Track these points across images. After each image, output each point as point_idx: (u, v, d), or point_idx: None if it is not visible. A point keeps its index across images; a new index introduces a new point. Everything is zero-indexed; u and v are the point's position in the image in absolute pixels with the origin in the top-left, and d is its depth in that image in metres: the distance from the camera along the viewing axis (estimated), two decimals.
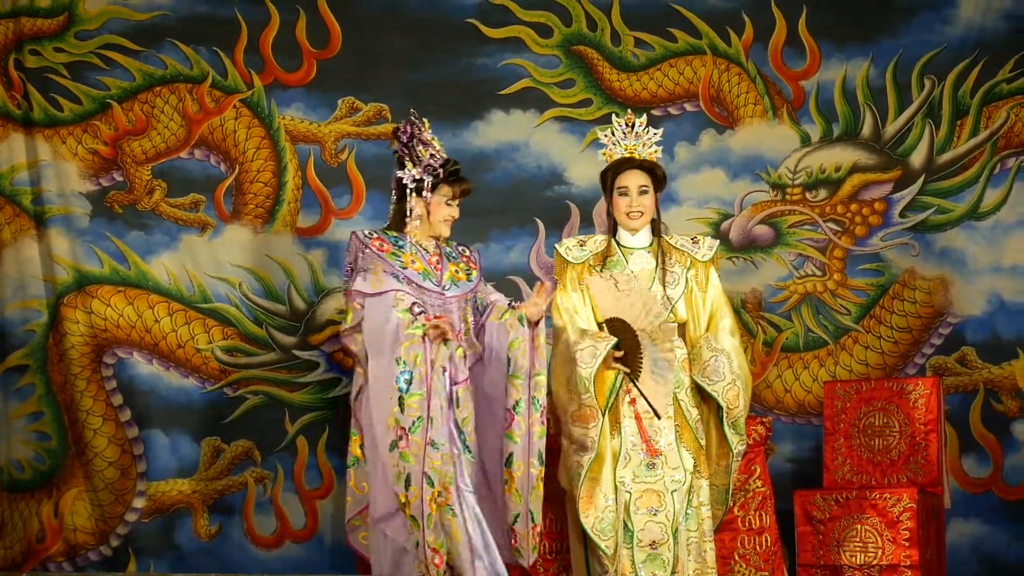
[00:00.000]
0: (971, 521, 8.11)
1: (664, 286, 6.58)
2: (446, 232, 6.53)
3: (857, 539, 7.22)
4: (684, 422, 6.51)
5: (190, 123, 8.23)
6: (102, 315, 8.09)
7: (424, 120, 6.51)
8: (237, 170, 8.25)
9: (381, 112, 8.30)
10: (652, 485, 6.40)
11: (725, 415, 6.48)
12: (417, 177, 6.45)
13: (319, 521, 8.09)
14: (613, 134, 6.76)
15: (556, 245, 6.76)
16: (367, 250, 6.36)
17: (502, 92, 8.36)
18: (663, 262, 6.64)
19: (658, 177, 6.71)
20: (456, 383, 6.30)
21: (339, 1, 8.30)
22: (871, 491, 7.29)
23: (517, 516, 6.33)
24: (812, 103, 8.44)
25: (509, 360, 6.41)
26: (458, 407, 6.30)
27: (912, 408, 7.52)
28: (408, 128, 6.50)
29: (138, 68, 8.20)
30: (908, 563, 7.09)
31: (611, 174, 6.70)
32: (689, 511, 6.44)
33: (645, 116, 6.70)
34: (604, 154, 6.77)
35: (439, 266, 6.46)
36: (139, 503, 8.04)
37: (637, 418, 6.44)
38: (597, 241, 6.74)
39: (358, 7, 8.31)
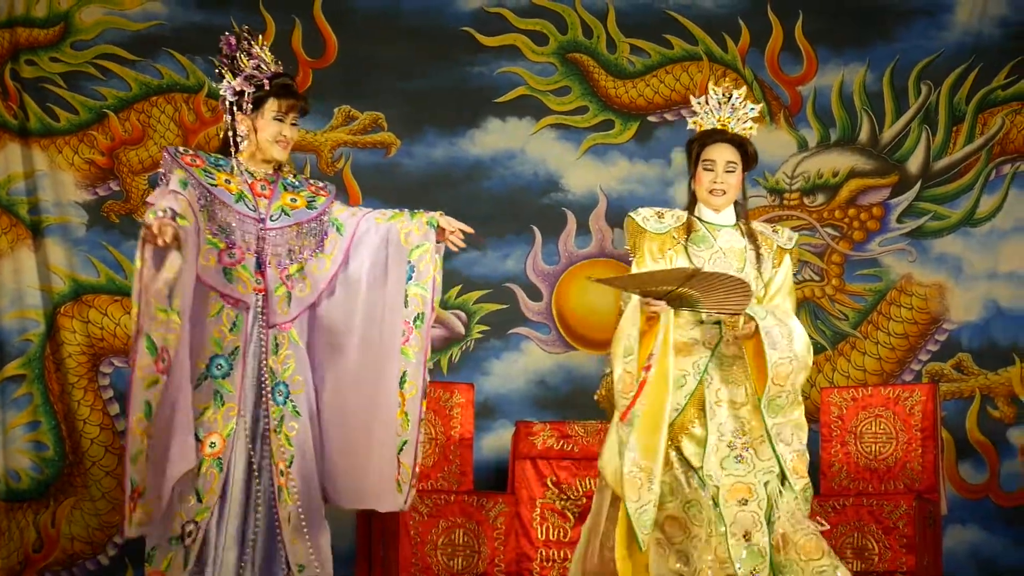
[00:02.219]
0: (968, 527, 8.12)
1: (757, 268, 5.99)
2: (278, 154, 5.68)
3: (854, 545, 7.22)
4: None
5: (186, 132, 8.24)
6: (99, 324, 8.10)
7: (259, 36, 5.77)
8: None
9: (377, 121, 8.31)
10: (742, 478, 5.82)
11: (767, 389, 5.82)
12: (238, 89, 5.62)
13: None
14: (707, 102, 6.16)
15: (631, 213, 6.17)
16: (174, 163, 5.56)
17: (498, 100, 8.37)
18: (755, 243, 6.05)
19: (748, 155, 6.09)
20: (272, 325, 5.58)
21: (335, 10, 8.31)
22: (868, 497, 7.29)
23: (405, 443, 5.59)
24: (809, 108, 8.45)
25: (412, 266, 5.73)
26: (275, 354, 5.60)
27: (908, 415, 7.52)
28: (232, 40, 5.71)
29: (134, 78, 8.21)
30: (905, 569, 7.09)
31: (697, 145, 6.11)
32: (782, 488, 5.86)
33: (745, 88, 6.14)
34: (694, 122, 6.17)
35: (264, 192, 5.67)
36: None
37: None
38: (675, 215, 6.13)
39: (353, 16, 8.32)
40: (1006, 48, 8.33)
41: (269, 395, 5.54)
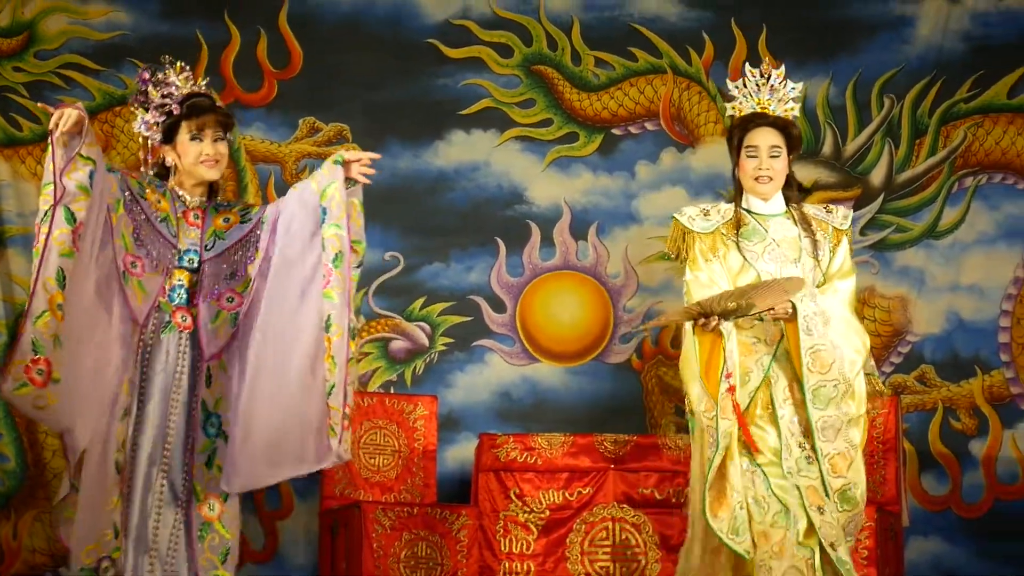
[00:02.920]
0: (930, 539, 8.13)
1: (815, 256, 5.81)
2: (208, 174, 5.59)
3: None
4: None
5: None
6: None
7: (178, 64, 5.67)
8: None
9: (342, 132, 8.30)
10: (813, 482, 5.63)
11: (806, 378, 5.62)
12: (151, 121, 5.58)
13: (279, 542, 8.07)
14: (745, 85, 5.97)
15: (675, 214, 6.06)
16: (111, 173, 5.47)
17: (463, 112, 8.37)
18: (809, 230, 5.86)
19: (793, 137, 5.89)
20: (208, 357, 5.51)
21: (300, 21, 8.30)
22: None
23: (333, 387, 5.36)
24: None
25: (324, 211, 5.51)
26: (208, 387, 5.51)
27: (870, 427, 7.52)
28: (145, 74, 5.64)
29: (98, 88, 8.18)
30: None
31: (738, 132, 5.90)
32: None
33: (783, 67, 5.97)
34: (733, 107, 6.00)
35: (197, 221, 5.61)
36: None
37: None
38: (722, 210, 5.95)
39: (319, 27, 8.31)
40: (968, 62, 8.37)
41: (200, 428, 5.50)
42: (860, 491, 5.72)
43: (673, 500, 7.39)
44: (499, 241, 8.35)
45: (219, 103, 5.80)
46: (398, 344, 8.24)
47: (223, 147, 5.61)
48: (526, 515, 7.38)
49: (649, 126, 8.47)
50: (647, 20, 8.47)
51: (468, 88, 8.39)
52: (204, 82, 5.76)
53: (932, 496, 8.22)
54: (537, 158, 8.40)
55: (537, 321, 8.34)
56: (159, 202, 5.52)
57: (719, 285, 5.78)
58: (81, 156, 5.24)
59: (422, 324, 8.26)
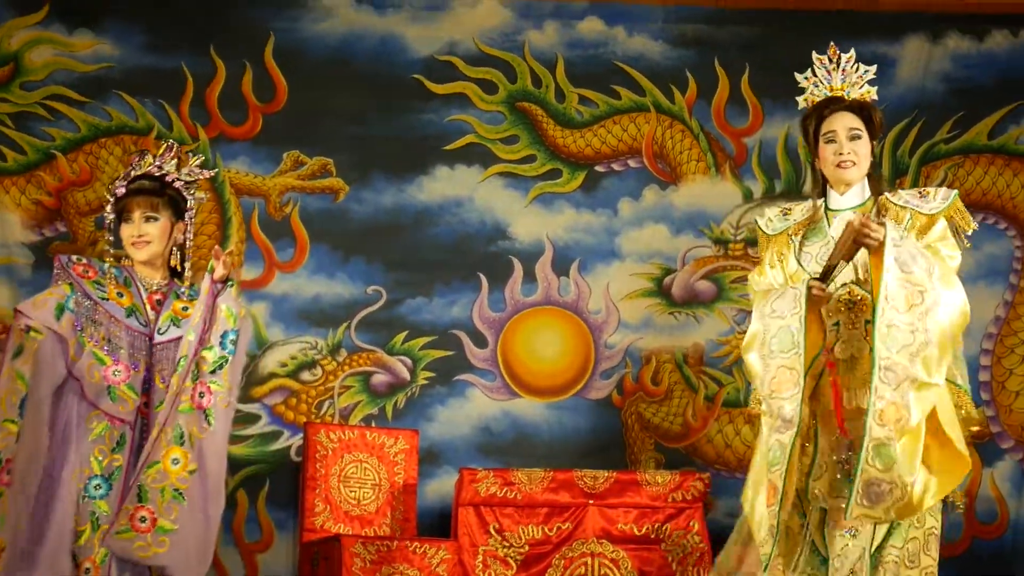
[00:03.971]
0: None
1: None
2: (136, 255, 5.64)
3: None
4: None
5: None
6: None
7: (164, 144, 5.81)
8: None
9: (326, 166, 8.32)
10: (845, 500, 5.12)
11: (881, 310, 5.04)
12: (108, 209, 5.66)
13: (259, 575, 8.06)
14: (814, 73, 5.72)
15: (756, 217, 5.83)
16: (64, 274, 5.56)
17: (447, 147, 8.39)
18: (879, 221, 5.27)
19: (874, 121, 5.51)
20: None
21: (285, 55, 8.32)
22: None
23: (141, 490, 5.34)
24: (755, 160, 8.52)
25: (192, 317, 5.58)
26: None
27: None
28: (133, 159, 5.75)
29: (83, 119, 8.19)
30: None
31: (813, 120, 5.58)
32: (895, 524, 5.21)
33: (853, 51, 5.71)
34: (805, 99, 5.76)
35: (159, 306, 5.65)
36: None
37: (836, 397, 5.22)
38: (804, 208, 5.57)
39: (304, 62, 8.33)
40: (949, 103, 8.44)
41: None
42: (904, 466, 4.99)
43: (652, 536, 7.40)
44: (481, 276, 8.37)
45: (180, 184, 5.75)
46: (379, 378, 8.25)
47: (153, 228, 5.62)
48: (505, 550, 7.38)
49: (632, 163, 8.51)
50: (631, 58, 8.51)
51: (452, 124, 8.41)
52: (196, 161, 5.79)
53: None
54: (520, 194, 8.43)
55: (518, 356, 8.36)
56: (121, 296, 5.57)
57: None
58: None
59: (404, 358, 8.27)
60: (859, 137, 5.48)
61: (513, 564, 7.37)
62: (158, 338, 5.58)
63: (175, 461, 5.35)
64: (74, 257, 5.66)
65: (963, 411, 5.37)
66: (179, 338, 5.56)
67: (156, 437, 5.37)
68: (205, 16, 8.28)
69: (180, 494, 5.34)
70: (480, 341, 8.32)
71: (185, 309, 5.64)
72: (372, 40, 8.41)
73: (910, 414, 4.99)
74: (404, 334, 8.26)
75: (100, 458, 5.42)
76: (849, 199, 5.49)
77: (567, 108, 8.49)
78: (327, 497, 7.58)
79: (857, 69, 5.61)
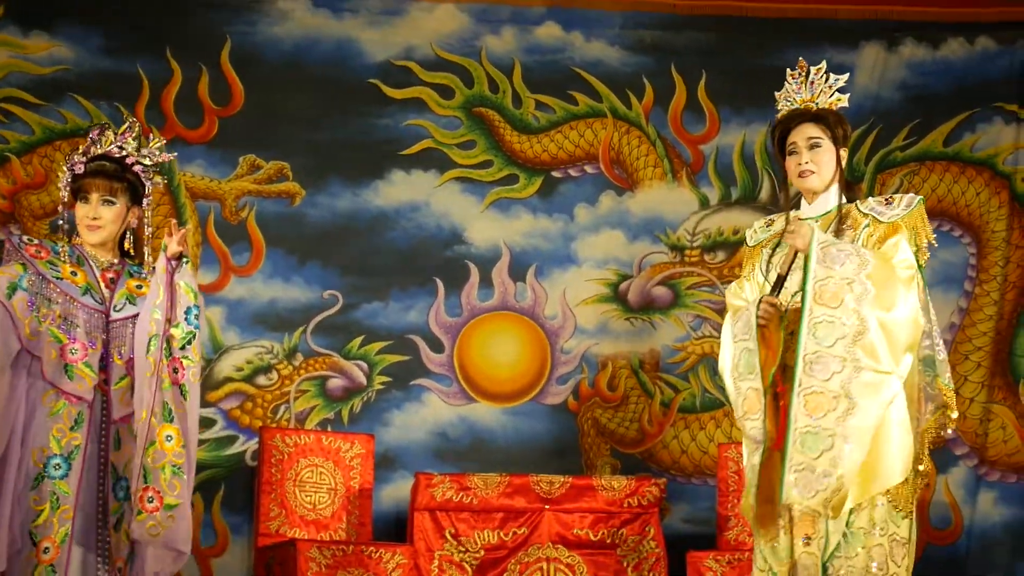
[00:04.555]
0: None
1: None
2: (88, 237, 5.60)
3: None
4: None
5: None
6: None
7: (126, 124, 5.77)
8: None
9: (282, 170, 8.30)
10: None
11: (808, 309, 5.10)
12: (64, 181, 5.62)
13: None
14: (786, 91, 5.64)
15: (747, 230, 5.81)
16: (16, 254, 5.52)
17: (403, 152, 8.39)
18: (839, 231, 5.36)
19: (835, 127, 5.48)
20: (115, 420, 5.50)
21: (242, 59, 8.30)
22: None
23: (143, 470, 5.35)
24: (711, 167, 8.54)
25: (150, 296, 5.54)
26: (117, 450, 5.51)
27: None
28: (93, 133, 5.71)
29: (38, 122, 8.15)
30: None
31: (777, 134, 5.56)
32: (848, 534, 5.20)
33: (824, 62, 5.68)
34: (778, 117, 5.65)
35: (112, 284, 5.61)
36: None
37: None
38: (785, 219, 5.53)
39: (261, 66, 8.31)
40: (904, 111, 8.49)
41: (110, 492, 5.46)
42: (850, 456, 5.00)
43: (608, 541, 7.41)
44: (438, 281, 8.36)
45: (142, 167, 5.71)
46: (335, 382, 8.23)
47: (109, 211, 5.59)
48: (461, 555, 7.37)
49: (589, 169, 8.52)
50: (588, 64, 8.53)
51: (409, 128, 8.41)
52: (158, 145, 5.76)
53: None
54: (477, 199, 8.43)
55: (475, 361, 8.35)
56: (75, 275, 5.54)
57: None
58: None
59: (360, 363, 8.26)
60: (819, 146, 5.47)
61: (469, 569, 7.36)
62: (114, 315, 5.55)
63: (169, 438, 5.35)
64: (25, 237, 5.64)
65: (951, 412, 5.46)
66: (135, 315, 5.53)
67: (147, 418, 5.35)
68: (161, 19, 8.25)
69: (179, 469, 5.35)
70: (436, 346, 8.31)
71: (139, 287, 5.62)
72: (329, 44, 8.40)
73: (853, 403, 5.03)
74: (360, 339, 8.25)
75: (59, 437, 5.39)
76: (817, 208, 5.50)
77: (524, 113, 8.49)
78: (283, 502, 7.56)
79: (827, 79, 5.60)
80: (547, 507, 7.43)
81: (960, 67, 8.56)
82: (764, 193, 8.50)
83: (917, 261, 5.32)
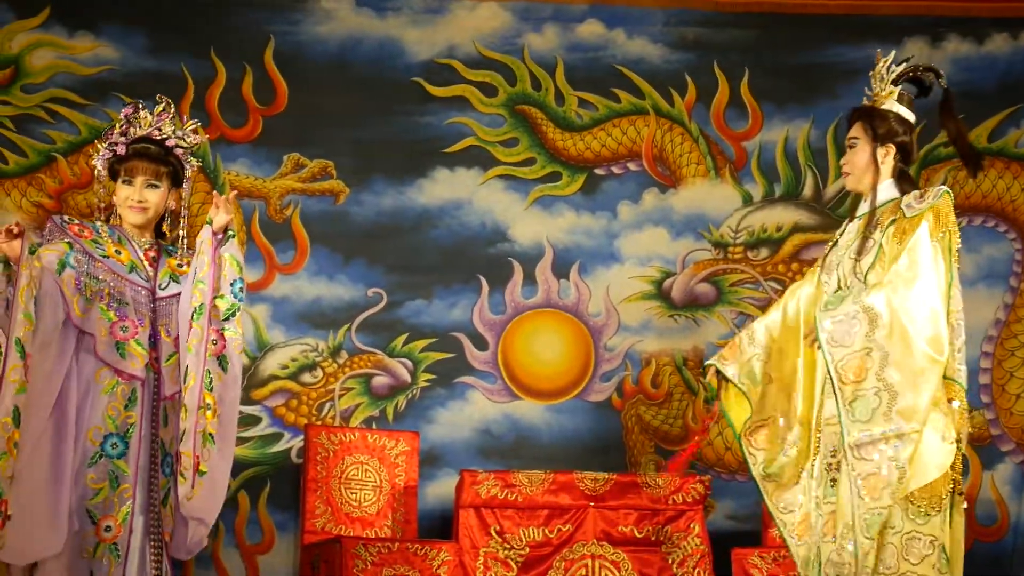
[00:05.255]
0: None
1: (856, 260, 5.42)
2: (131, 218, 5.61)
3: None
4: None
5: None
6: None
7: (161, 105, 5.74)
8: (182, 224, 8.24)
9: (326, 168, 8.32)
10: (834, 505, 5.36)
11: (840, 391, 5.19)
12: (102, 156, 5.65)
13: None
14: (870, 88, 5.68)
15: None
16: (60, 233, 5.54)
17: (447, 150, 8.40)
18: (866, 230, 5.43)
19: (877, 123, 5.51)
20: (164, 397, 5.53)
21: (286, 58, 8.33)
22: None
23: (184, 433, 5.42)
24: (754, 163, 8.53)
25: (195, 269, 5.57)
26: (164, 426, 5.53)
27: None
28: (127, 110, 5.69)
29: (83, 122, 8.19)
30: None
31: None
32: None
33: (893, 53, 5.71)
34: None
35: (155, 263, 5.63)
36: None
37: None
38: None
39: (305, 65, 8.34)
40: None
41: (159, 468, 5.50)
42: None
43: (652, 538, 7.41)
44: (481, 279, 8.38)
45: (180, 151, 5.73)
46: (380, 380, 8.25)
47: (153, 194, 5.62)
48: (506, 552, 7.38)
49: (632, 166, 8.52)
50: (630, 62, 8.53)
51: (452, 126, 8.43)
52: (191, 126, 5.75)
53: None
54: (520, 197, 8.44)
55: (519, 358, 8.36)
56: (119, 253, 5.56)
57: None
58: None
59: (404, 360, 8.28)
60: (853, 146, 5.56)
61: (514, 566, 7.37)
62: (160, 293, 5.57)
63: (207, 407, 5.37)
64: (66, 217, 5.66)
65: (960, 403, 5.37)
66: (178, 294, 5.55)
67: (195, 384, 5.37)
68: (205, 19, 8.28)
69: (211, 437, 5.36)
70: (480, 343, 8.32)
71: (180, 266, 5.64)
72: (372, 43, 8.42)
73: (903, 471, 5.12)
74: (405, 336, 8.27)
75: (114, 415, 5.40)
76: (864, 206, 5.56)
77: (567, 111, 8.50)
78: (328, 499, 7.58)
79: (890, 70, 5.62)
80: (592, 504, 7.43)
81: (1004, 62, 8.53)
82: (807, 189, 8.48)
83: (948, 245, 5.32)
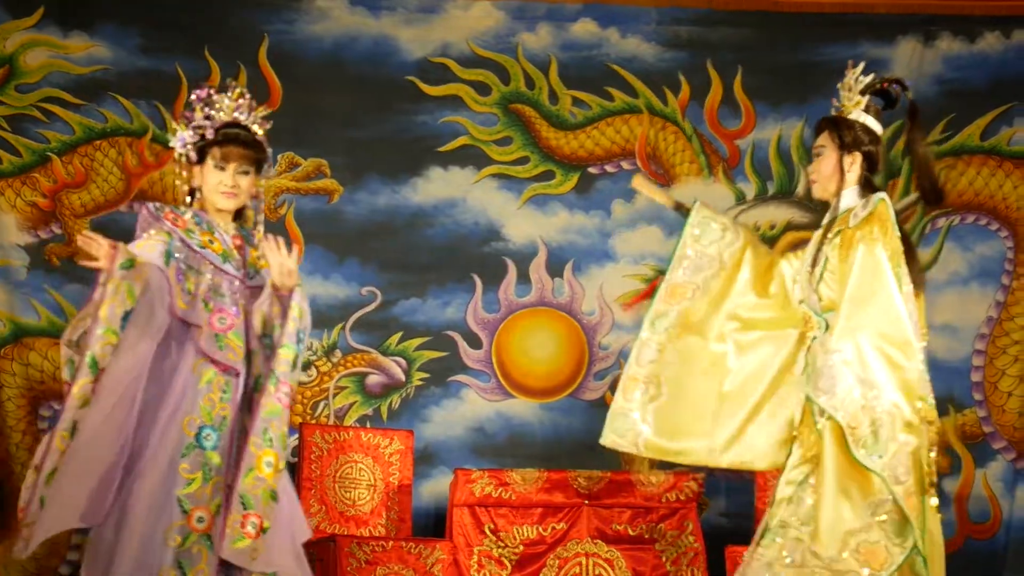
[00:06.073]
0: None
1: (808, 277, 5.41)
2: (223, 204, 5.44)
3: None
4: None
5: (129, 176, 8.24)
6: (38, 367, 8.07)
7: (237, 91, 5.61)
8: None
9: (320, 168, 8.34)
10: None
11: (849, 437, 5.11)
12: (187, 140, 5.48)
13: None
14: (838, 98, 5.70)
15: None
16: (155, 222, 5.38)
17: (440, 149, 8.41)
18: (822, 239, 5.43)
19: (841, 133, 5.53)
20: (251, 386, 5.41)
21: (280, 57, 8.34)
22: None
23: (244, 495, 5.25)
24: (747, 162, 8.54)
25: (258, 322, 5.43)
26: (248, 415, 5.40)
27: None
28: (201, 92, 5.53)
29: (78, 121, 8.20)
30: None
31: None
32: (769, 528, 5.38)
33: (862, 63, 5.77)
34: None
35: (242, 251, 5.49)
36: (74, 556, 7.99)
37: None
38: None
39: (299, 63, 8.35)
40: (941, 105, 8.46)
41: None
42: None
43: (646, 536, 7.42)
44: (475, 277, 8.39)
45: (260, 137, 5.60)
46: (374, 379, 8.27)
47: (245, 181, 5.48)
48: (500, 550, 7.40)
49: (625, 165, 8.53)
50: (624, 60, 8.54)
51: (446, 125, 8.44)
52: (262, 114, 5.67)
53: None
54: (514, 195, 8.45)
55: (513, 357, 8.38)
56: (212, 242, 5.42)
57: None
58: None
59: (398, 359, 8.29)
60: (820, 154, 5.54)
61: (508, 564, 7.39)
62: (249, 282, 5.46)
63: (268, 464, 5.23)
64: (156, 204, 5.50)
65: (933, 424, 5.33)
66: (262, 286, 5.41)
67: (247, 446, 5.25)
68: (199, 18, 8.29)
69: (274, 494, 5.24)
70: (474, 342, 8.34)
71: (259, 258, 5.49)
72: (366, 42, 8.43)
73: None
74: (399, 335, 8.28)
75: (208, 407, 5.30)
76: (832, 213, 5.52)
77: (560, 110, 8.51)
78: (322, 498, 7.60)
79: (858, 81, 5.68)
80: (586, 502, 7.45)
81: (996, 61, 8.54)
82: (800, 187, 8.50)
83: (892, 250, 5.30)
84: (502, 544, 7.40)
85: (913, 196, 8.41)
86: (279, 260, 5.28)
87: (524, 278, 8.40)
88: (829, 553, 5.12)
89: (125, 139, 8.25)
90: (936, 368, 8.22)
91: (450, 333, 8.33)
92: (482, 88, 8.48)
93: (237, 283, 5.40)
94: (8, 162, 8.15)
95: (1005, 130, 8.53)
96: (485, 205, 8.44)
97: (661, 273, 8.33)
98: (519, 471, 7.51)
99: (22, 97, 8.17)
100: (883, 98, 5.73)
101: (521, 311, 8.42)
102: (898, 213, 8.28)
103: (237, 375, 5.34)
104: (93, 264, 5.12)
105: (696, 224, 5.67)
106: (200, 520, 5.26)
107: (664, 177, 8.49)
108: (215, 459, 5.30)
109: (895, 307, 5.22)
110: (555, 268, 8.43)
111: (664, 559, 7.41)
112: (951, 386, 8.33)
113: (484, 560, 7.38)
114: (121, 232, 8.10)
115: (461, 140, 8.44)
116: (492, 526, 7.42)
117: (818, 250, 5.43)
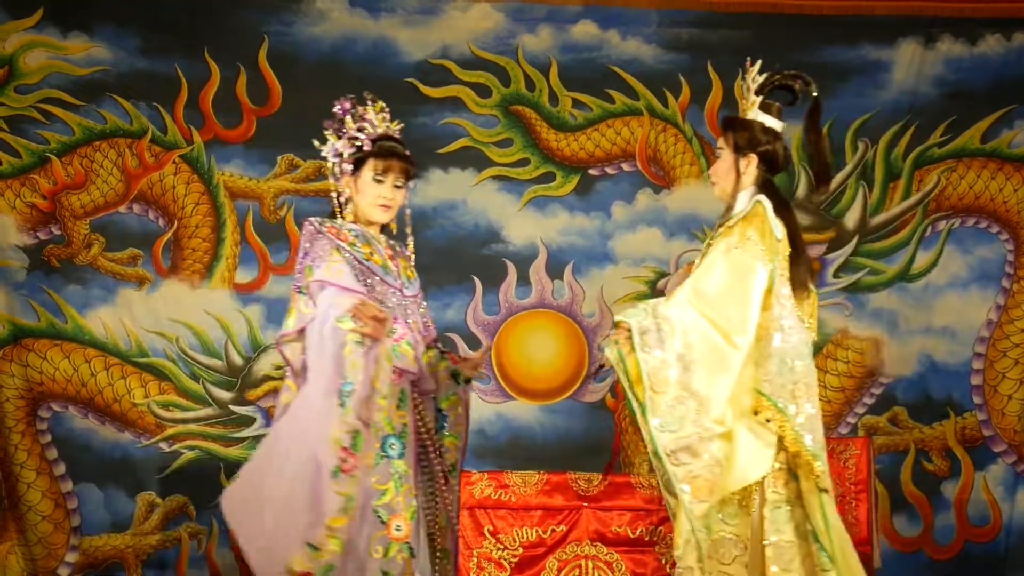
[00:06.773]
0: None
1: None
2: (379, 216, 5.54)
3: None
4: None
5: (129, 178, 8.23)
6: (38, 368, 8.07)
7: (379, 103, 5.70)
8: (176, 225, 8.26)
9: (320, 169, 8.31)
10: None
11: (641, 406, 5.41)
12: (339, 151, 5.57)
13: None
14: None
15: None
16: (323, 239, 5.45)
17: (441, 151, 8.40)
18: (708, 240, 5.58)
19: (736, 134, 5.60)
20: (424, 393, 5.55)
21: (279, 59, 8.33)
22: None
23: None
24: None
25: (443, 415, 5.63)
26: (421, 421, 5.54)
27: (843, 468, 7.56)
28: (346, 103, 5.62)
29: (78, 122, 8.20)
30: None
31: None
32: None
33: (759, 61, 5.82)
34: None
35: (394, 260, 5.58)
36: (72, 557, 8.00)
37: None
38: None
39: (298, 65, 8.34)
40: (942, 107, 8.45)
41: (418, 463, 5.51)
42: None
43: (646, 539, 7.41)
44: (476, 279, 8.39)
45: (406, 151, 5.65)
46: None
47: (399, 194, 5.55)
48: (500, 552, 7.39)
49: (625, 167, 8.52)
50: (624, 62, 8.53)
51: (446, 127, 8.43)
52: (398, 127, 5.69)
53: (904, 537, 8.26)
54: (514, 197, 8.45)
55: (512, 359, 8.37)
56: (372, 255, 5.47)
57: None
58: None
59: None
60: (718, 156, 5.56)
61: (507, 566, 7.38)
62: (407, 292, 5.54)
63: (398, 528, 5.32)
64: (320, 219, 5.55)
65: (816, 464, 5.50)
66: (417, 295, 5.56)
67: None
68: (199, 19, 8.29)
69: (411, 550, 5.34)
70: (474, 344, 8.33)
71: (407, 268, 5.60)
72: (366, 44, 8.42)
73: (730, 462, 5.32)
74: None
75: (388, 416, 5.32)
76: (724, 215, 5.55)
77: (561, 112, 8.50)
78: None
79: (754, 81, 5.75)
80: (586, 505, 7.44)
81: (997, 63, 8.52)
82: (801, 190, 8.48)
83: (760, 250, 5.34)
84: (502, 546, 7.39)
85: (914, 199, 8.42)
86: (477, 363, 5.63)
87: (524, 280, 8.40)
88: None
89: (125, 140, 8.24)
90: (936, 371, 8.30)
91: (450, 335, 8.31)
92: (482, 90, 8.47)
93: (398, 294, 5.46)
94: (8, 163, 8.14)
95: (1006, 133, 8.51)
96: (485, 207, 8.44)
97: (661, 275, 8.40)
98: (519, 473, 7.51)
99: (21, 98, 8.17)
100: (789, 93, 5.70)
101: (521, 313, 8.42)
102: (898, 216, 8.38)
103: (410, 381, 5.40)
104: (366, 333, 5.18)
105: None
106: (398, 528, 5.31)
107: (664, 179, 8.49)
108: (402, 466, 5.36)
109: (732, 297, 5.29)
110: (555, 270, 8.42)
111: (664, 561, 7.39)
112: (951, 389, 8.34)
113: (484, 562, 7.37)
114: (121, 232, 8.20)
115: (461, 142, 8.43)
116: (492, 528, 7.41)
117: (704, 252, 5.50)
